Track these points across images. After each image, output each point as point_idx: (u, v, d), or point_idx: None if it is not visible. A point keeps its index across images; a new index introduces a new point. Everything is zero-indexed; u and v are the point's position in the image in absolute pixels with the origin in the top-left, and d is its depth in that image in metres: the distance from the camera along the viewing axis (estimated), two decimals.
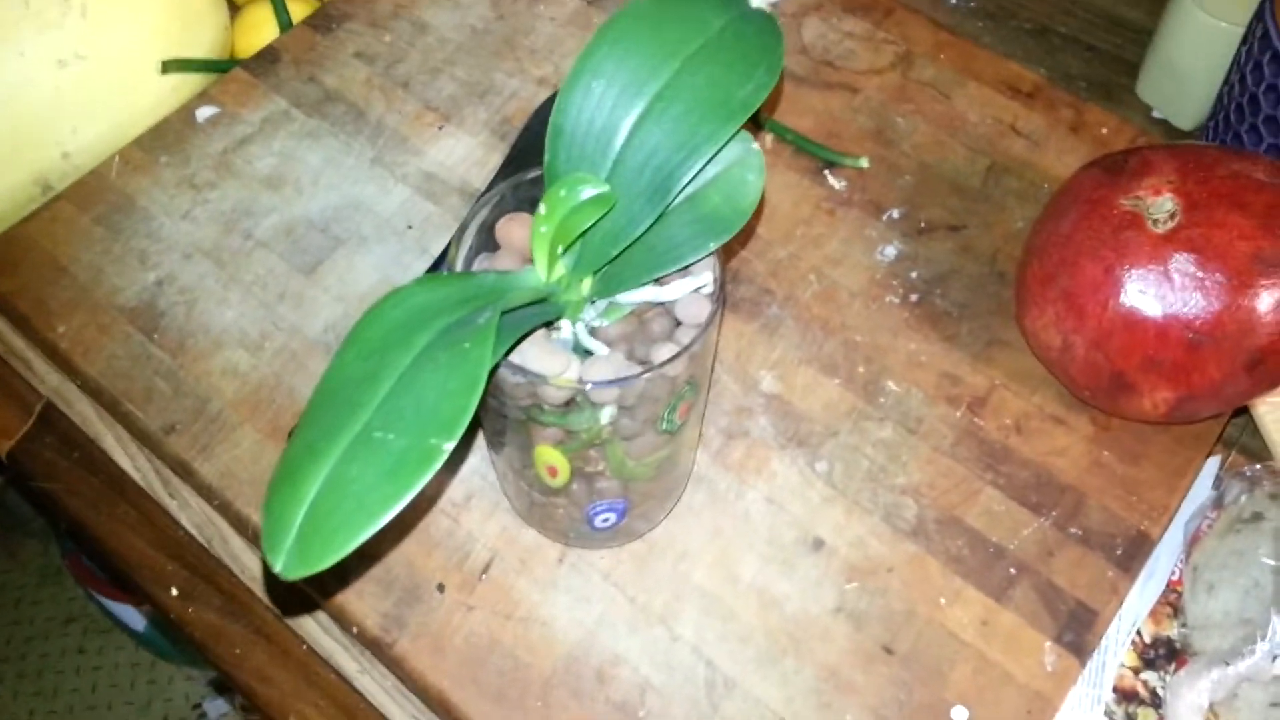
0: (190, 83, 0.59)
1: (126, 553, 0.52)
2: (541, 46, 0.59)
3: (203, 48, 0.59)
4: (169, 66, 0.57)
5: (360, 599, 0.42)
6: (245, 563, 0.49)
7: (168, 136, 0.55)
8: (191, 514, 0.50)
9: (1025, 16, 0.70)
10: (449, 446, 0.25)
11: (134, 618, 1.08)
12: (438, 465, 0.25)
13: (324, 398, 0.28)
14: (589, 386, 0.31)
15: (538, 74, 0.58)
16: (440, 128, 0.56)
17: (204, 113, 0.56)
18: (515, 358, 0.31)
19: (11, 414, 0.53)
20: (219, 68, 0.59)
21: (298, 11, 0.62)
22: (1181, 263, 0.40)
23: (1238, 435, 0.54)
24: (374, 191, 0.53)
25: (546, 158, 0.31)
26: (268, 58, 0.58)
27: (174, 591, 0.50)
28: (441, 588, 0.43)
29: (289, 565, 0.25)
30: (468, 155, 0.55)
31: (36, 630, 1.18)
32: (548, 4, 0.61)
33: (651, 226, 0.31)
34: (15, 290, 0.50)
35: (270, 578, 0.46)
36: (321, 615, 0.46)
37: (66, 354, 0.49)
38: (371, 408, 0.27)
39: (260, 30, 0.62)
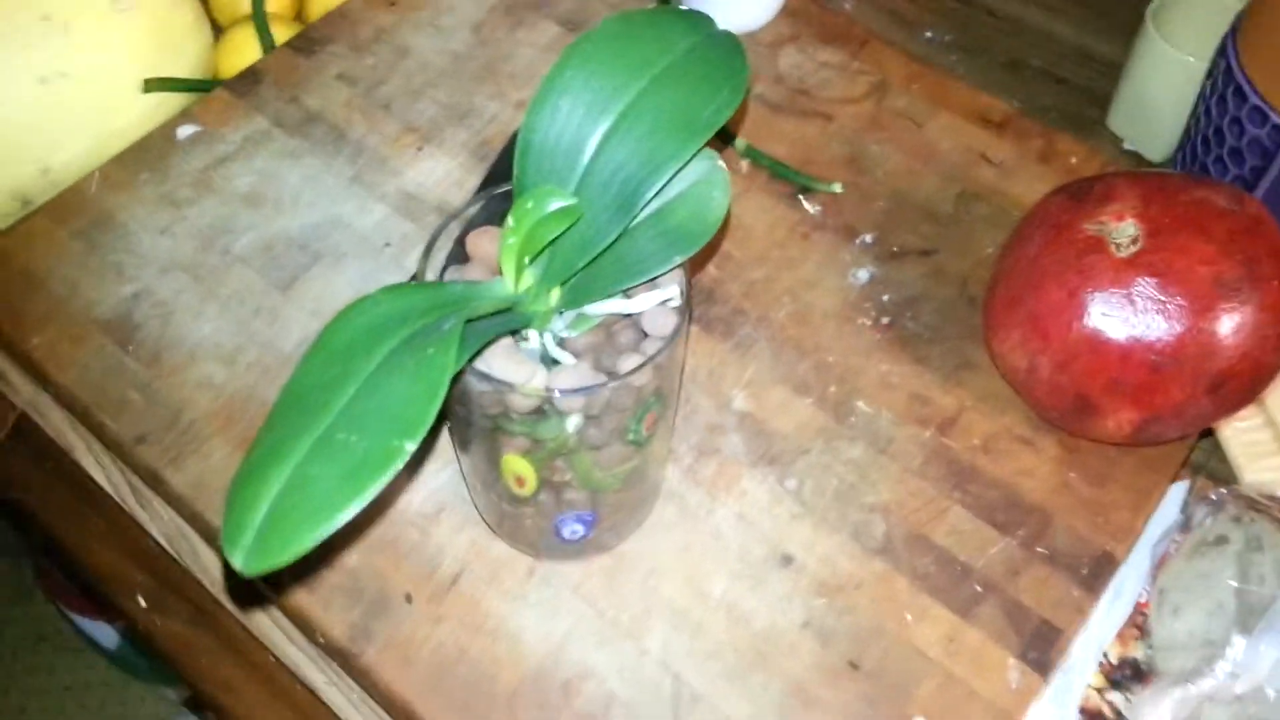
0: (172, 102, 0.59)
1: (96, 563, 0.52)
2: (521, 71, 0.60)
3: (185, 68, 0.60)
4: (151, 85, 0.58)
5: (328, 609, 0.42)
6: (214, 574, 0.49)
7: (148, 154, 0.55)
8: (162, 525, 0.50)
9: (998, 50, 0.71)
10: (411, 447, 0.26)
11: (106, 635, 1.08)
12: (399, 465, 0.26)
13: (289, 401, 0.28)
14: (556, 394, 0.31)
15: (517, 98, 0.59)
16: (420, 149, 0.57)
17: (185, 131, 0.56)
18: (483, 366, 0.32)
19: None
20: (201, 87, 0.60)
21: (281, 34, 0.63)
22: (1144, 286, 0.41)
23: (1205, 460, 0.55)
24: (353, 210, 0.54)
25: (515, 172, 0.32)
26: (250, 78, 0.59)
27: (142, 602, 0.50)
28: (410, 599, 0.43)
29: (248, 561, 0.25)
30: (446, 176, 0.56)
31: (5, 648, 1.17)
32: (528, 30, 0.62)
33: (619, 240, 0.32)
34: None
35: (231, 579, 0.46)
36: (289, 626, 0.46)
37: (40, 364, 0.49)
38: (335, 410, 0.27)
39: (243, 51, 0.63)
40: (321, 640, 0.43)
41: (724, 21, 0.34)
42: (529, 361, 0.32)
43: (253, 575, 0.25)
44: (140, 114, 0.58)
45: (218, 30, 0.66)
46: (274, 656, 0.48)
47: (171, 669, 0.50)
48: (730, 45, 0.33)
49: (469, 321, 0.30)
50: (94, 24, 0.55)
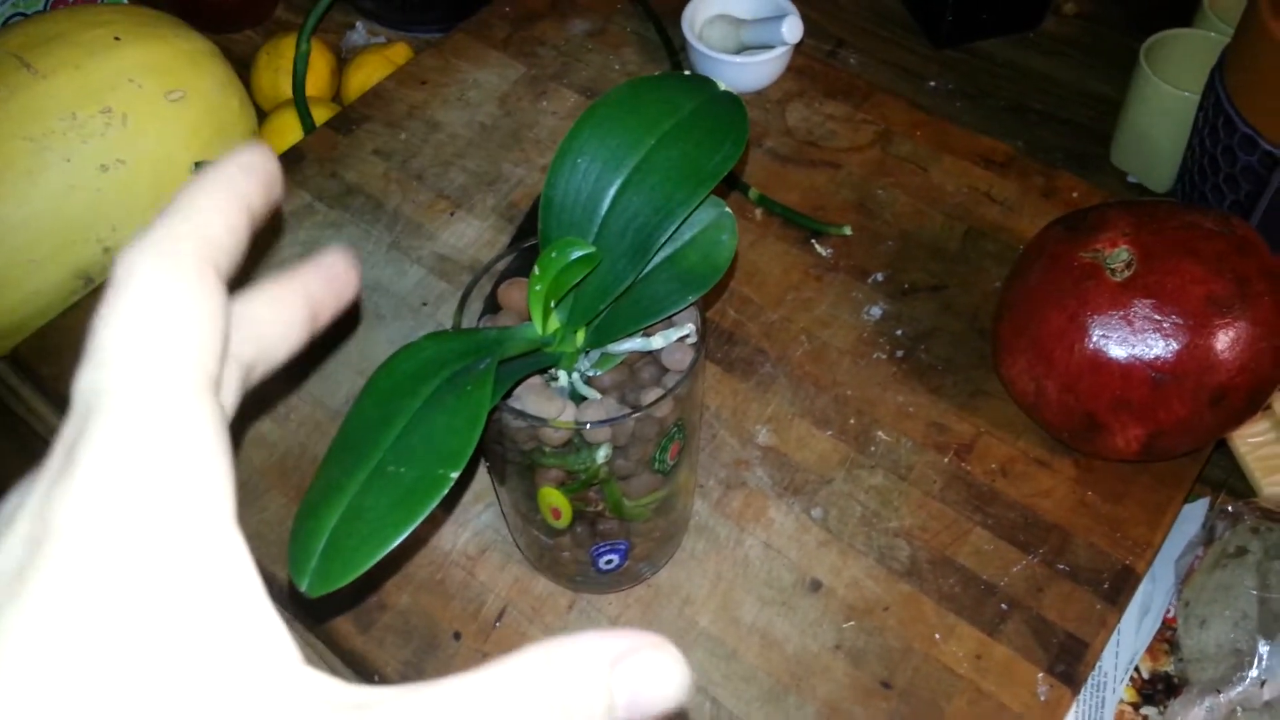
0: None
1: None
2: (545, 138, 0.64)
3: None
4: (201, 167, 0.62)
5: (381, 648, 0.45)
6: None
7: None
8: None
9: (1001, 96, 0.74)
10: (454, 475, 0.28)
11: None
12: (444, 492, 0.28)
13: (343, 440, 0.31)
14: (585, 427, 0.34)
15: (541, 163, 0.63)
16: (452, 214, 0.60)
17: None
18: (517, 404, 0.34)
19: None
20: None
21: (320, 115, 0.68)
22: (1140, 308, 0.43)
23: (1225, 477, 0.56)
24: (392, 273, 0.57)
25: (540, 226, 0.35)
26: (293, 157, 0.63)
27: None
28: (458, 636, 0.45)
29: (313, 584, 0.28)
30: (478, 238, 0.59)
31: None
32: (550, 100, 0.66)
33: (636, 283, 0.35)
34: (56, 375, 0.54)
35: (296, 601, 0.48)
36: (344, 669, 0.48)
37: None
38: (385, 446, 0.30)
39: (286, 133, 0.67)
40: (377, 679, 0.45)
41: (733, 84, 0.37)
42: (559, 398, 0.35)
43: (316, 596, 0.28)
44: None
45: (262, 114, 0.71)
46: None
47: None
48: (731, 103, 0.36)
49: (503, 362, 0.32)
50: (149, 114, 0.59)
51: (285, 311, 0.24)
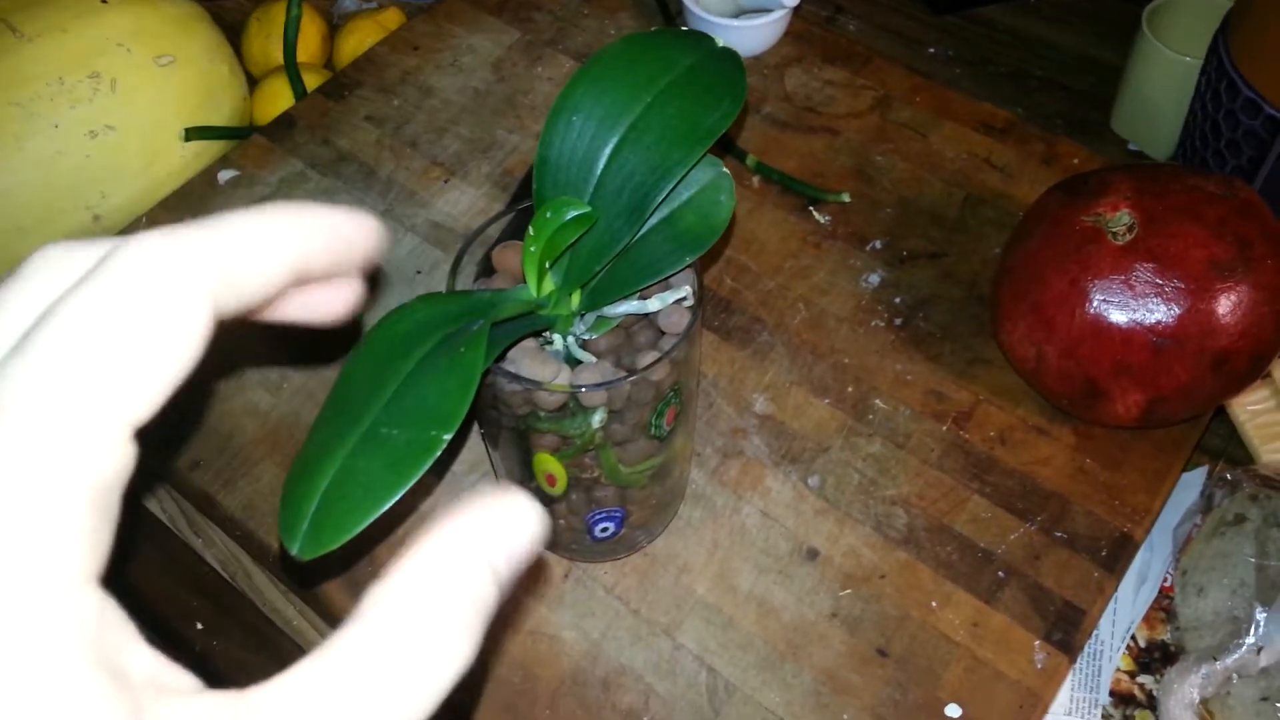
0: (212, 149, 0.63)
1: (152, 590, 0.54)
2: (540, 104, 0.63)
3: (223, 117, 0.64)
4: (191, 134, 0.61)
5: None
6: (268, 595, 0.51)
7: (191, 198, 0.59)
8: (216, 550, 0.52)
9: (1001, 62, 0.73)
10: (447, 437, 0.28)
11: None
12: (437, 453, 0.28)
13: (335, 403, 0.30)
14: (581, 390, 0.33)
15: (536, 129, 0.62)
16: (446, 181, 0.59)
17: (225, 175, 0.59)
18: (512, 367, 0.34)
19: None
20: (239, 134, 0.63)
21: (311, 81, 0.67)
22: (1141, 272, 0.43)
23: (1224, 446, 0.56)
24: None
25: (534, 187, 0.35)
26: (284, 124, 0.62)
27: (199, 625, 0.53)
28: None
29: (304, 547, 0.27)
30: (472, 205, 0.58)
31: None
32: (545, 65, 0.65)
33: (633, 244, 0.34)
34: None
35: (287, 565, 0.48)
36: None
37: None
38: (378, 408, 0.29)
39: (277, 99, 0.66)
40: None
41: (732, 47, 0.36)
42: (554, 362, 0.34)
43: (307, 559, 0.27)
44: (183, 161, 0.61)
45: (252, 81, 0.70)
46: None
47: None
48: (729, 59, 0.35)
49: (497, 324, 0.32)
50: (138, 80, 0.59)
51: (262, 263, 0.18)
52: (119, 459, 0.16)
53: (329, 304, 0.22)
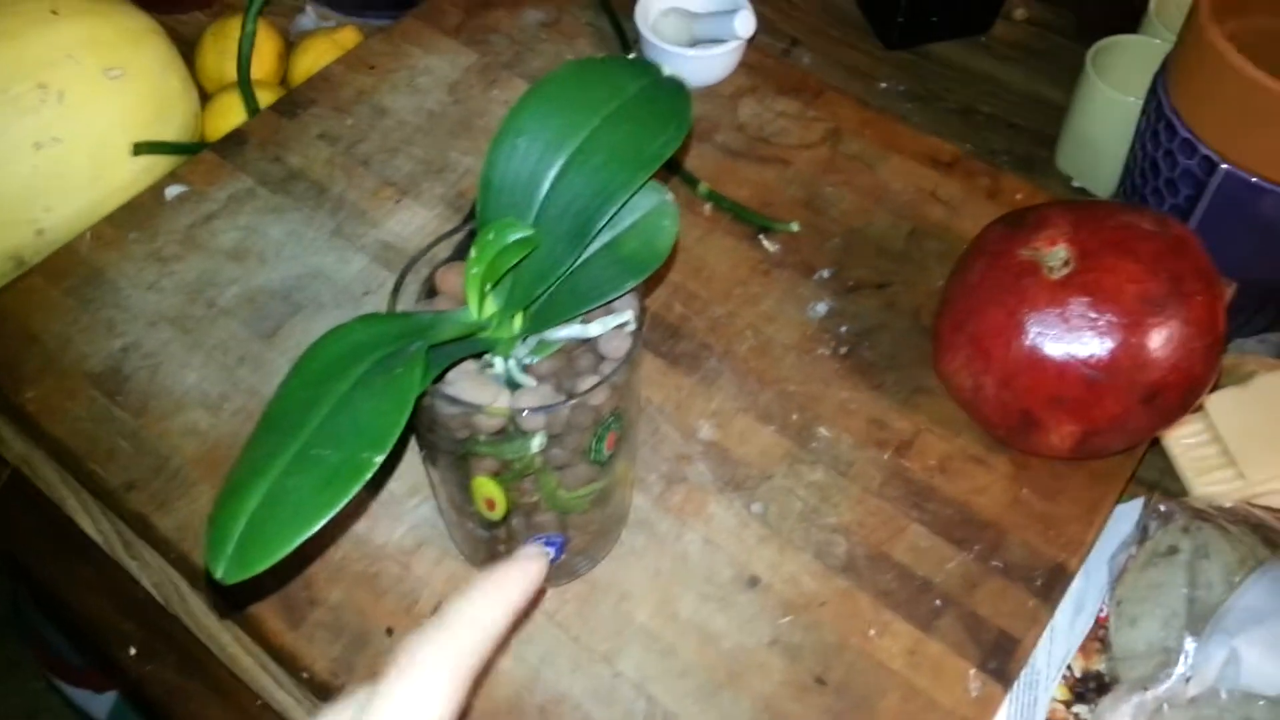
0: (161, 164, 0.62)
1: (88, 613, 0.53)
2: (495, 127, 0.63)
3: (174, 131, 0.63)
4: (140, 148, 0.60)
5: (310, 644, 0.44)
6: (202, 620, 0.50)
7: (138, 214, 0.58)
8: (151, 573, 0.52)
9: (951, 99, 0.75)
10: (379, 459, 0.28)
11: (97, 706, 1.07)
12: (369, 475, 0.28)
13: (268, 422, 0.30)
14: (520, 414, 0.33)
15: None
16: (398, 201, 0.59)
17: (173, 191, 0.59)
18: (451, 390, 0.34)
19: None
20: (189, 149, 0.63)
21: (265, 99, 0.66)
22: (1076, 306, 0.44)
23: (1159, 478, 0.57)
24: (334, 261, 0.56)
25: (478, 209, 0.35)
26: (235, 140, 0.62)
27: (132, 650, 0.52)
28: (390, 632, 0.44)
29: (229, 570, 0.27)
30: (423, 226, 0.58)
31: None
32: (501, 88, 0.65)
33: (576, 269, 0.34)
34: None
35: (216, 586, 0.47)
36: (277, 670, 0.47)
37: (33, 417, 0.51)
38: (311, 428, 0.29)
39: (229, 116, 0.66)
40: (305, 675, 0.44)
41: (685, 77, 0.37)
42: (493, 385, 0.34)
43: (232, 583, 0.27)
44: (131, 176, 0.60)
45: (205, 96, 0.69)
46: (261, 700, 0.50)
47: (160, 716, 0.51)
48: (675, 88, 0.36)
49: (437, 347, 0.32)
50: (86, 91, 0.58)
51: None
52: None
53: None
